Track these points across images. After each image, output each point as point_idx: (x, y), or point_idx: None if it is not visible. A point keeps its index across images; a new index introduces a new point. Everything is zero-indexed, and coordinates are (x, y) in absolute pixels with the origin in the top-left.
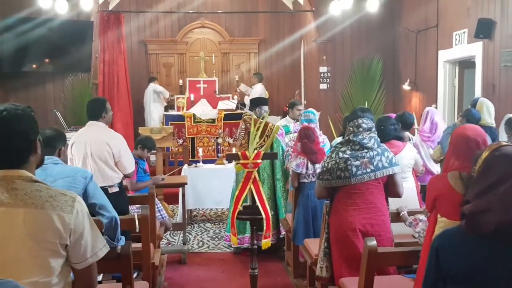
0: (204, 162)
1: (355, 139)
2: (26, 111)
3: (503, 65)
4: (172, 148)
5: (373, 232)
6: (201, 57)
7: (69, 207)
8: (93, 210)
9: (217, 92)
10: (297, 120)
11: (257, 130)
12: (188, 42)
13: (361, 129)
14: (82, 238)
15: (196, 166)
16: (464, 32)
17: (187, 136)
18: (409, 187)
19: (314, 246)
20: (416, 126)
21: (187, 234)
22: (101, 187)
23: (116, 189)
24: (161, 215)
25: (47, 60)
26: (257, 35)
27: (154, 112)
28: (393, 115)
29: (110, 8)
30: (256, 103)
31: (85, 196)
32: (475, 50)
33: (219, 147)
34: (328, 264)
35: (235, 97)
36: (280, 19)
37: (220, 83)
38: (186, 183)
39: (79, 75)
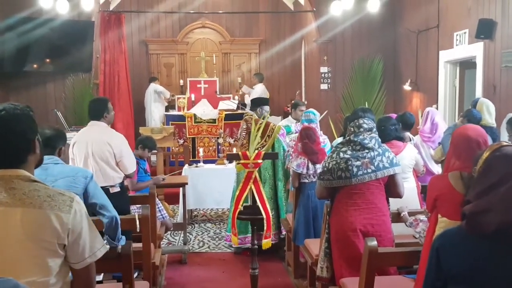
0: (205, 162)
1: (356, 139)
2: (24, 110)
3: (504, 65)
4: (173, 148)
5: (374, 232)
6: (202, 57)
7: (67, 207)
8: (94, 209)
9: (217, 92)
10: (299, 121)
11: (258, 130)
12: (189, 42)
13: (362, 129)
14: (80, 238)
15: (196, 166)
16: (465, 33)
17: (187, 136)
18: (409, 187)
19: (314, 246)
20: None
21: (187, 234)
22: (102, 187)
23: (118, 189)
24: (161, 215)
25: (48, 60)
26: (257, 35)
27: (155, 112)
28: (394, 116)
29: (111, 8)
30: (257, 103)
31: (85, 195)
32: (476, 50)
33: (219, 147)
34: (329, 264)
35: (236, 97)
36: (281, 19)
37: (221, 83)
38: (186, 183)
39: (80, 75)
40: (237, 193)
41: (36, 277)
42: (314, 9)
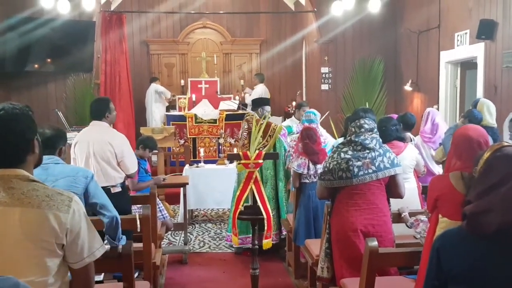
0: (206, 162)
1: (357, 139)
2: (24, 110)
3: (505, 66)
4: (174, 148)
5: (375, 232)
6: (203, 57)
7: (66, 206)
8: (94, 209)
9: (218, 93)
10: None
11: (259, 130)
12: (189, 43)
13: (363, 130)
14: (79, 238)
15: (197, 166)
16: (466, 33)
17: (188, 136)
18: (410, 187)
19: (315, 246)
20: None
21: (188, 234)
22: (103, 187)
23: (119, 189)
24: (162, 215)
25: (49, 60)
26: (258, 36)
27: (156, 112)
28: (395, 116)
29: (112, 9)
30: (258, 103)
31: (86, 195)
32: (477, 51)
33: (220, 147)
34: (329, 264)
35: (237, 97)
36: (281, 19)
37: (222, 83)
38: (187, 183)
39: (81, 75)
40: (237, 193)
41: (34, 277)
42: (315, 9)
